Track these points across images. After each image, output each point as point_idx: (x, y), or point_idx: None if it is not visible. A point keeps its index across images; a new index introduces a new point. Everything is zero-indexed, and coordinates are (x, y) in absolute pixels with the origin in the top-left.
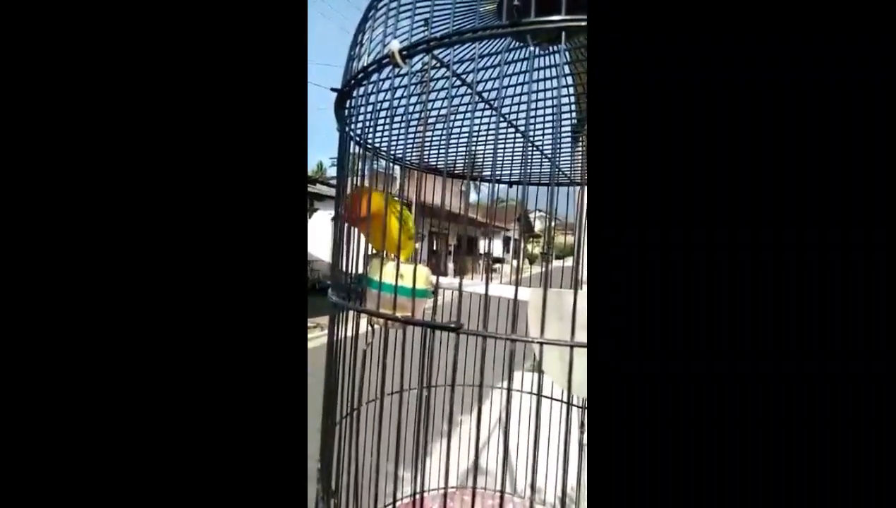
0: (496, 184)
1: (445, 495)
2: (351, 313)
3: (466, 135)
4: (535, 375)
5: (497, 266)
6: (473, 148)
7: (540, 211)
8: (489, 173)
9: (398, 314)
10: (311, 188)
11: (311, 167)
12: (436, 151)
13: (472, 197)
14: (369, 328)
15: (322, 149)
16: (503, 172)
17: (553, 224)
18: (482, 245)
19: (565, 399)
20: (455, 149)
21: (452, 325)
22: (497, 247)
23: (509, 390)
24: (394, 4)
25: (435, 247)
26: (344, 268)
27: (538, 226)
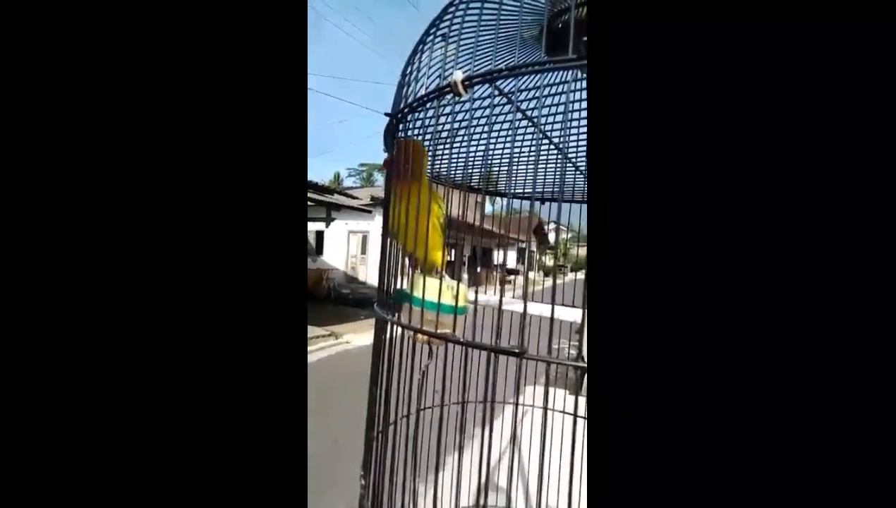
0: (521, 200)
1: None
2: (395, 328)
3: (518, 156)
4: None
5: (511, 278)
6: (526, 169)
7: (555, 222)
8: (547, 192)
9: (456, 334)
10: (328, 198)
11: (329, 177)
12: (485, 172)
13: (487, 208)
14: (427, 348)
15: (340, 160)
16: (546, 190)
17: (567, 236)
18: (496, 256)
19: (575, 413)
20: (512, 172)
21: (516, 350)
22: (511, 259)
23: (517, 405)
24: (454, 32)
25: (451, 258)
26: (388, 283)
27: (552, 238)
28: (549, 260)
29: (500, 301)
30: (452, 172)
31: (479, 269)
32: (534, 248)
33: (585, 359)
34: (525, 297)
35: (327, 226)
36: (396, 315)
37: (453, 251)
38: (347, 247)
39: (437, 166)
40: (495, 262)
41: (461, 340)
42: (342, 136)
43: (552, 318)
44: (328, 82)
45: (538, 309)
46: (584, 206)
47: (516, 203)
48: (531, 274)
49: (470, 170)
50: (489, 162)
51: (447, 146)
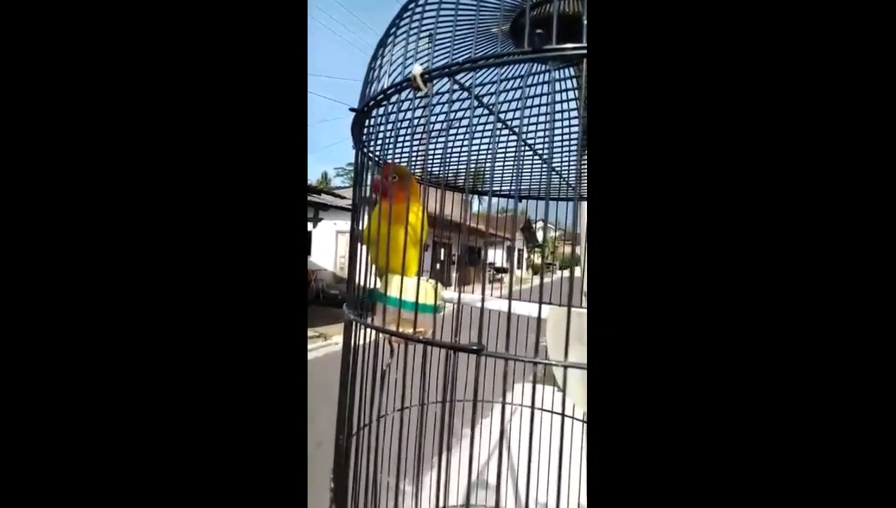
0: (508, 199)
1: None
2: (366, 329)
3: (483, 152)
4: (532, 387)
5: (500, 276)
6: (490, 165)
7: (542, 221)
8: (508, 189)
9: (419, 333)
10: (315, 198)
11: (316, 177)
12: (453, 168)
13: (474, 206)
14: (388, 347)
15: (326, 159)
16: (518, 187)
17: (555, 234)
18: (484, 255)
19: (566, 413)
20: (473, 167)
21: (474, 347)
22: (499, 258)
23: (504, 404)
24: (415, 27)
25: (440, 257)
26: (358, 283)
27: (540, 236)
28: (536, 258)
29: (458, 298)
30: (428, 168)
31: (457, 269)
32: (522, 247)
33: (546, 356)
34: (510, 296)
35: (315, 226)
36: (369, 315)
37: (441, 250)
38: (336, 247)
39: (399, 161)
40: (483, 260)
41: (421, 338)
42: (329, 135)
43: (509, 315)
44: (312, 80)
45: (526, 308)
46: (569, 204)
47: (504, 201)
48: (519, 273)
49: (435, 167)
50: (451, 157)
51: (414, 141)
